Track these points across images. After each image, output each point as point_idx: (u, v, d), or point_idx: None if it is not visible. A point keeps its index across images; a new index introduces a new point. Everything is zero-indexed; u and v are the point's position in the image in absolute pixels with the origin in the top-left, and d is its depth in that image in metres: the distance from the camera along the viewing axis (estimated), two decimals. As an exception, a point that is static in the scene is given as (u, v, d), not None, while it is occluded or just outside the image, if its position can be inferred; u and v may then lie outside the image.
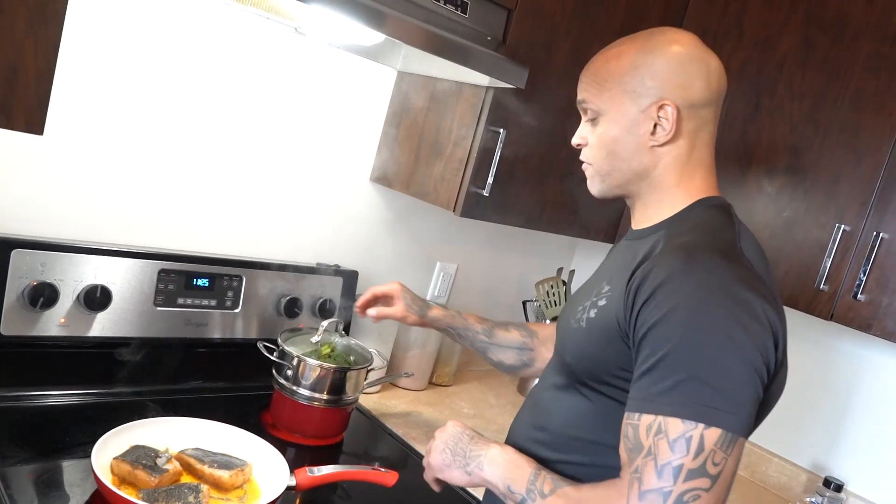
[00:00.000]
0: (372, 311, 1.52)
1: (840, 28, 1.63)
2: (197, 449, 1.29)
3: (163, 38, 1.51)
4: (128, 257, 1.50)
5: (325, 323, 1.60)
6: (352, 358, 1.62)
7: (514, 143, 1.68)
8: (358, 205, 1.94)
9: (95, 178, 1.51)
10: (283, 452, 1.33)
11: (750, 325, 0.91)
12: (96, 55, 1.44)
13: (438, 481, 1.18)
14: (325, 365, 1.54)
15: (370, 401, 1.86)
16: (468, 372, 2.32)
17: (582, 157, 1.15)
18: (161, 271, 1.55)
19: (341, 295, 1.84)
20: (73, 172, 1.48)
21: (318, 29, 1.61)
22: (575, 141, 1.15)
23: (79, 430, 1.34)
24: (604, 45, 1.14)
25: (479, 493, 1.47)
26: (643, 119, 1.06)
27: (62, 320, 1.44)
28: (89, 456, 1.15)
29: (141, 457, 1.20)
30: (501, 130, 1.63)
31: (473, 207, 1.67)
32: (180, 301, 1.59)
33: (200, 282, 1.61)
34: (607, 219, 1.97)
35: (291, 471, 1.27)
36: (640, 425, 0.92)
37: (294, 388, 1.55)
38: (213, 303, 1.64)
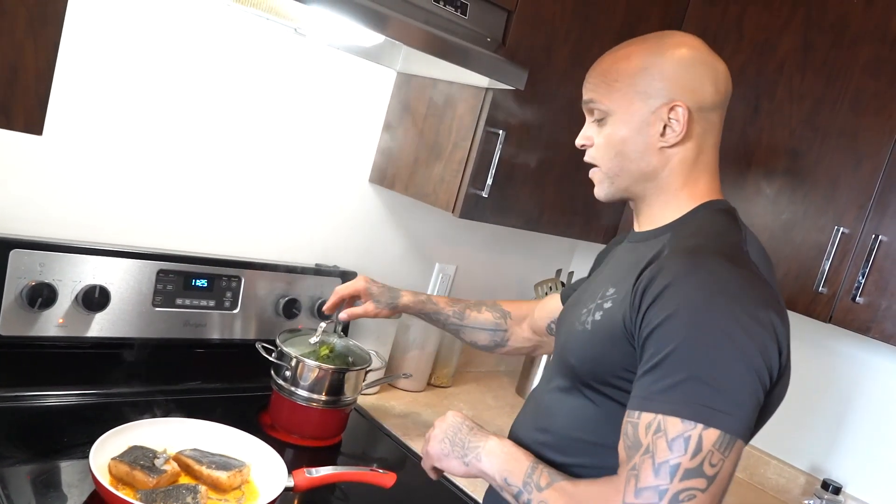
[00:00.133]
0: (342, 314, 1.57)
1: (839, 31, 1.63)
2: (195, 450, 1.29)
3: (162, 38, 1.51)
4: (126, 258, 1.50)
5: (323, 324, 1.60)
6: (350, 359, 1.62)
7: (513, 145, 1.68)
8: (357, 205, 1.94)
9: (94, 178, 1.51)
10: (282, 453, 1.33)
11: (753, 329, 0.91)
12: (95, 55, 1.44)
13: (436, 470, 1.18)
14: (324, 366, 1.54)
15: (369, 402, 1.86)
16: (467, 373, 2.32)
17: (587, 159, 1.14)
18: (160, 272, 1.55)
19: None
20: (72, 173, 1.48)
21: (318, 30, 1.61)
22: (579, 142, 1.14)
23: (77, 431, 1.34)
24: (604, 47, 1.14)
25: (478, 495, 1.47)
26: (653, 120, 1.05)
27: (60, 320, 1.43)
28: (87, 456, 1.15)
29: (139, 457, 1.20)
30: (501, 132, 1.63)
31: (472, 209, 1.68)
32: (179, 301, 1.59)
33: (199, 282, 1.61)
34: (606, 220, 1.97)
35: (289, 472, 1.27)
36: (639, 423, 0.92)
37: (292, 388, 1.55)
38: (212, 303, 1.64)
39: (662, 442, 0.88)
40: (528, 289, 2.38)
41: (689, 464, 0.87)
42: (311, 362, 1.54)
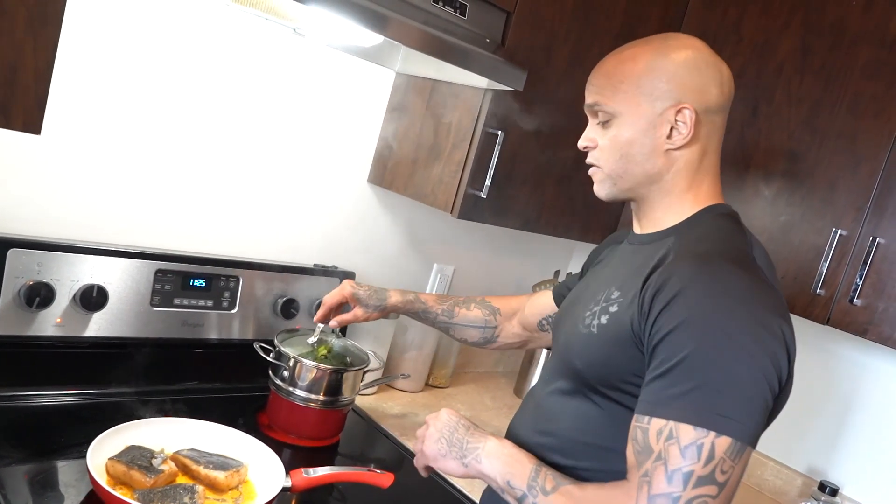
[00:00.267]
0: (333, 322, 1.57)
1: (838, 33, 1.64)
2: (192, 450, 1.29)
3: (161, 38, 1.51)
4: (124, 257, 1.50)
5: (321, 324, 1.60)
6: (348, 359, 1.62)
7: (512, 146, 1.68)
8: (355, 206, 1.94)
9: (93, 178, 1.51)
10: (279, 453, 1.33)
11: (763, 337, 0.92)
12: (94, 55, 1.44)
13: (428, 468, 1.17)
14: (322, 366, 1.54)
15: (366, 402, 1.86)
16: (465, 374, 2.32)
17: (590, 160, 1.13)
18: (158, 271, 1.55)
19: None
20: (70, 172, 1.48)
21: (317, 30, 1.61)
22: (582, 143, 1.14)
23: (74, 431, 1.34)
24: (603, 47, 1.14)
25: (475, 495, 1.47)
26: (660, 122, 1.05)
27: (58, 320, 1.43)
28: (84, 456, 1.15)
29: (136, 457, 1.20)
30: (499, 132, 1.63)
31: (471, 209, 1.68)
32: (177, 301, 1.59)
33: (197, 282, 1.61)
34: (605, 221, 1.97)
35: (287, 472, 1.27)
36: (650, 429, 0.92)
37: (290, 389, 1.55)
38: (210, 303, 1.64)
39: (675, 449, 0.89)
40: (527, 289, 2.38)
41: (702, 471, 0.88)
42: (308, 362, 1.54)
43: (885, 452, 1.85)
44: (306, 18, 1.51)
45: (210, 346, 1.66)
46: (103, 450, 1.20)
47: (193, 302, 1.61)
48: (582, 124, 1.16)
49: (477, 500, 1.37)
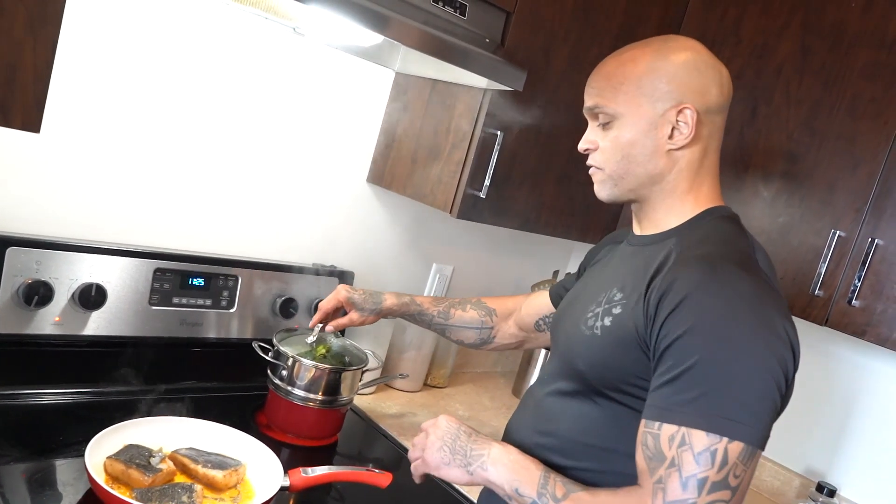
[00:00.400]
0: (328, 327, 1.58)
1: (837, 35, 1.64)
2: (191, 449, 1.29)
3: (160, 37, 1.51)
4: (123, 256, 1.50)
5: (320, 323, 1.60)
6: (347, 359, 1.62)
7: (511, 146, 1.68)
8: (354, 205, 1.94)
9: (92, 176, 1.51)
10: (278, 453, 1.33)
11: (770, 339, 0.93)
12: (93, 54, 1.44)
13: (423, 476, 1.16)
14: (320, 365, 1.54)
15: (365, 402, 1.86)
16: (463, 374, 2.32)
17: (591, 162, 1.13)
18: (156, 270, 1.55)
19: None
20: (69, 171, 1.48)
21: (317, 29, 1.61)
22: (583, 146, 1.14)
23: (72, 429, 1.34)
24: (603, 48, 1.14)
25: (473, 495, 1.47)
26: (661, 122, 1.05)
27: (57, 319, 1.43)
28: (83, 455, 1.15)
29: (135, 456, 1.20)
30: (499, 133, 1.63)
31: (470, 209, 1.68)
32: (175, 300, 1.59)
33: (196, 281, 1.61)
34: (604, 222, 1.97)
35: (285, 471, 1.27)
36: (660, 435, 0.92)
37: (289, 388, 1.55)
38: (209, 302, 1.64)
39: (689, 455, 0.90)
40: (525, 289, 2.38)
41: (716, 477, 0.89)
42: (307, 362, 1.54)
43: (884, 453, 1.85)
44: (306, 18, 1.51)
45: (209, 346, 1.66)
46: (102, 448, 1.20)
47: (192, 301, 1.61)
48: (582, 124, 1.16)
49: (475, 500, 1.37)
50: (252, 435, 1.37)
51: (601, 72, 1.11)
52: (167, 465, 1.21)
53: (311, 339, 1.59)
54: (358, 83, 1.83)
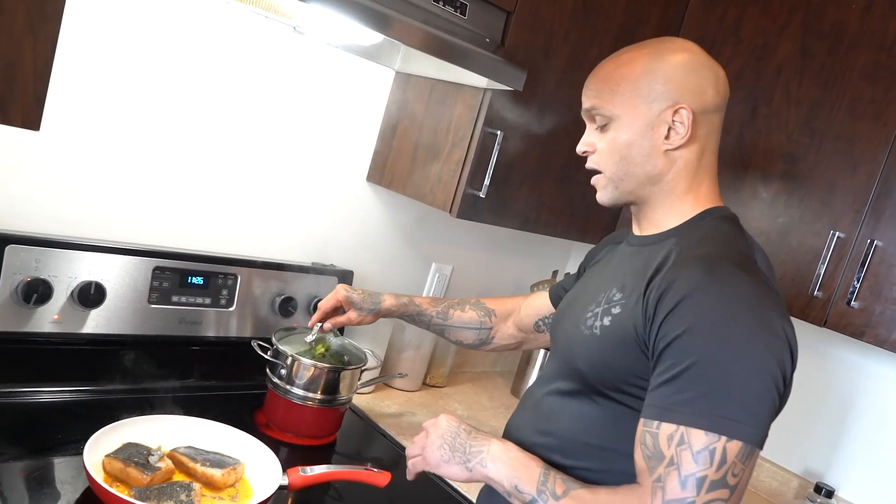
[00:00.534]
0: (326, 325, 1.59)
1: (837, 36, 1.64)
2: (189, 447, 1.29)
3: (160, 35, 1.51)
4: (122, 254, 1.50)
5: (319, 322, 1.60)
6: (346, 358, 1.62)
7: (511, 146, 1.68)
8: (354, 204, 1.94)
9: (91, 174, 1.51)
10: (276, 452, 1.33)
11: (770, 340, 0.94)
12: (93, 53, 1.44)
13: (417, 474, 1.16)
14: (319, 365, 1.54)
15: (364, 401, 1.86)
16: (462, 373, 2.33)
17: (590, 165, 1.14)
18: (156, 269, 1.55)
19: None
20: (69, 169, 1.48)
21: (317, 28, 1.61)
22: (581, 149, 1.14)
23: (71, 428, 1.34)
24: (602, 48, 1.14)
25: (472, 494, 1.47)
26: (658, 123, 1.06)
27: (56, 317, 1.43)
28: (81, 453, 1.15)
29: (133, 454, 1.20)
30: (499, 132, 1.63)
31: (470, 209, 1.68)
32: (175, 299, 1.59)
33: (195, 280, 1.61)
34: (603, 222, 1.98)
35: (284, 470, 1.27)
36: (659, 434, 0.93)
37: (288, 387, 1.55)
38: (208, 301, 1.64)
39: (687, 454, 0.90)
40: (525, 290, 2.38)
41: (715, 475, 0.89)
42: (306, 361, 1.54)
43: (882, 454, 1.86)
44: (306, 16, 1.51)
45: (208, 344, 1.66)
46: (100, 447, 1.20)
47: (191, 299, 1.61)
48: (581, 125, 1.16)
49: (473, 500, 1.37)
50: (251, 434, 1.37)
51: (598, 74, 1.12)
52: (166, 464, 1.21)
53: (310, 338, 1.59)
54: (358, 82, 1.83)
